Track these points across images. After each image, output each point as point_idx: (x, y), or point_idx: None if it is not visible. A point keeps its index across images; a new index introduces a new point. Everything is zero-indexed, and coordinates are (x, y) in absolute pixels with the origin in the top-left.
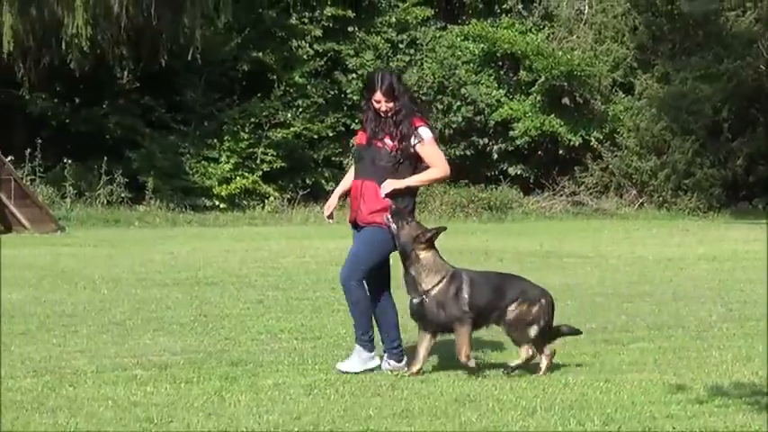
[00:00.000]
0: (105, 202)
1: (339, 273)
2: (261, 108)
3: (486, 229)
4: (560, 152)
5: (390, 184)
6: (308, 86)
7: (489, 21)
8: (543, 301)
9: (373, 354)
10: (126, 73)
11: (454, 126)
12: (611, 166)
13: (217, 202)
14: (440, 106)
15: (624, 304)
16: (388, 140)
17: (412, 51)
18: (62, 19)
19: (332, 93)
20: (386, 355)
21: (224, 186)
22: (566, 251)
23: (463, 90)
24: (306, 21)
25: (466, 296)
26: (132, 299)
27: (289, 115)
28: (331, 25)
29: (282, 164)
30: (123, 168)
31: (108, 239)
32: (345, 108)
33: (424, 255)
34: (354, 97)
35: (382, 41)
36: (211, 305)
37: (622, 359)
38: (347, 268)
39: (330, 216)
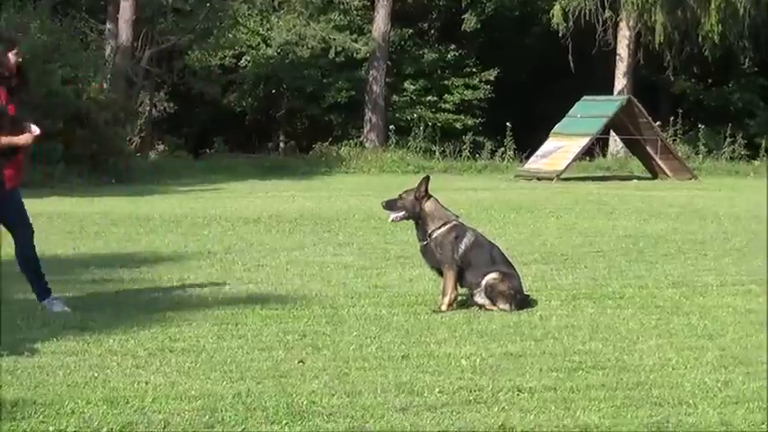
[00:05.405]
0: (728, 157)
1: None
2: None
3: None
4: None
5: None
6: None
7: None
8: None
9: None
10: (747, 60)
11: None
12: None
13: None
14: None
15: None
16: None
17: None
18: (699, 18)
19: None
20: None
21: None
22: None
23: None
24: None
25: (462, 247)
26: (748, 231)
27: None
28: None
29: None
30: (743, 132)
31: (729, 186)
32: None
33: (428, 204)
34: None
35: None
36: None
37: None
38: None
39: None
